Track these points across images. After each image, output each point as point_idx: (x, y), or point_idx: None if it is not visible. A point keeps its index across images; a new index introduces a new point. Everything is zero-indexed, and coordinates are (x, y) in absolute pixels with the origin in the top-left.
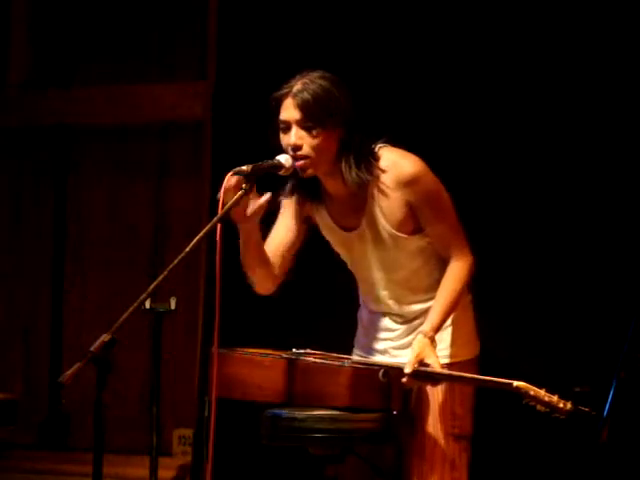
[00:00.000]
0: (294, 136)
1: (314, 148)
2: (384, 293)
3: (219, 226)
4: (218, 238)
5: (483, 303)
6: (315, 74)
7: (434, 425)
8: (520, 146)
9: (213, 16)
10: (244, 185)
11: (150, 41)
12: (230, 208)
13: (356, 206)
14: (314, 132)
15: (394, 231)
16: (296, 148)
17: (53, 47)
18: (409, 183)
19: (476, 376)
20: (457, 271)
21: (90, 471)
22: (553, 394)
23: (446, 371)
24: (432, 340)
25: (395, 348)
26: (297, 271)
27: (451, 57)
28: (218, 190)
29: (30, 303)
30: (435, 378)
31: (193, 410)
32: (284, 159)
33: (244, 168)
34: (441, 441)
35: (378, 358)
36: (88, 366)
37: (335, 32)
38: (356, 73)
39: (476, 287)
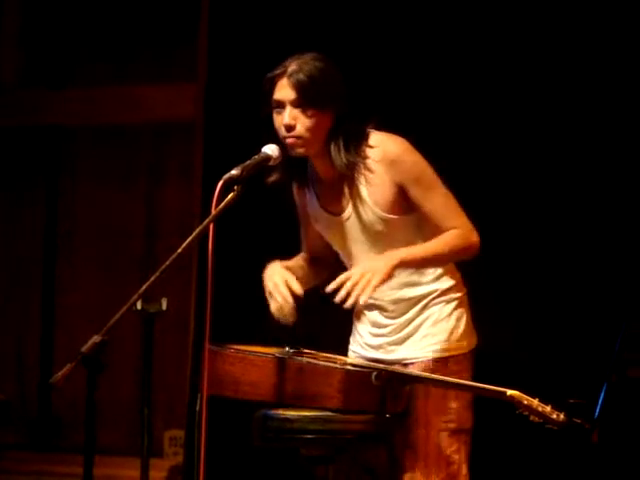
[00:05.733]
0: (288, 116)
1: (308, 129)
2: None
3: (211, 227)
4: (210, 239)
5: (477, 308)
6: (309, 56)
7: (427, 421)
8: (521, 141)
9: (205, 18)
10: (236, 187)
11: (143, 43)
12: (222, 209)
13: (344, 189)
14: (309, 112)
15: (383, 213)
16: (289, 128)
17: (46, 48)
18: (395, 162)
19: (470, 383)
20: (450, 234)
21: (81, 472)
22: (546, 404)
23: (439, 377)
24: (393, 265)
25: (390, 344)
26: None
27: (443, 40)
28: (210, 191)
29: (21, 304)
30: (427, 382)
31: (184, 411)
32: (270, 150)
33: (234, 172)
34: (435, 437)
35: (372, 354)
36: (79, 367)
37: (326, 32)
38: (347, 65)
39: (470, 292)
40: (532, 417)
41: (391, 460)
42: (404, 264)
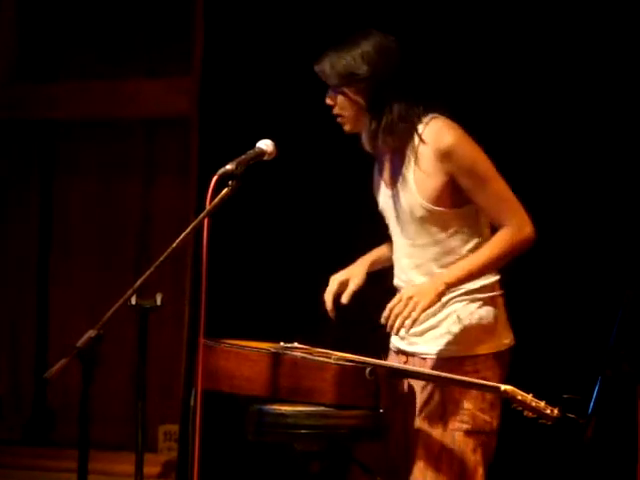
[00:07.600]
0: (327, 98)
1: (341, 108)
2: (407, 262)
3: (206, 222)
4: (205, 234)
5: None
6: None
7: (442, 420)
8: (522, 153)
9: (200, 11)
10: (230, 182)
11: (137, 36)
12: (217, 204)
13: (393, 168)
14: (337, 93)
15: (426, 202)
16: (331, 109)
17: (39, 41)
18: (448, 153)
19: (465, 378)
20: (497, 236)
21: (75, 467)
22: (540, 399)
23: (434, 372)
24: (438, 291)
25: (412, 335)
26: (287, 264)
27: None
28: (205, 186)
29: (16, 299)
30: (421, 377)
31: (178, 406)
32: (264, 145)
33: (229, 167)
34: (449, 436)
35: (399, 345)
36: (74, 362)
37: (322, 27)
38: None
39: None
40: (526, 412)
41: (390, 459)
42: (451, 286)
